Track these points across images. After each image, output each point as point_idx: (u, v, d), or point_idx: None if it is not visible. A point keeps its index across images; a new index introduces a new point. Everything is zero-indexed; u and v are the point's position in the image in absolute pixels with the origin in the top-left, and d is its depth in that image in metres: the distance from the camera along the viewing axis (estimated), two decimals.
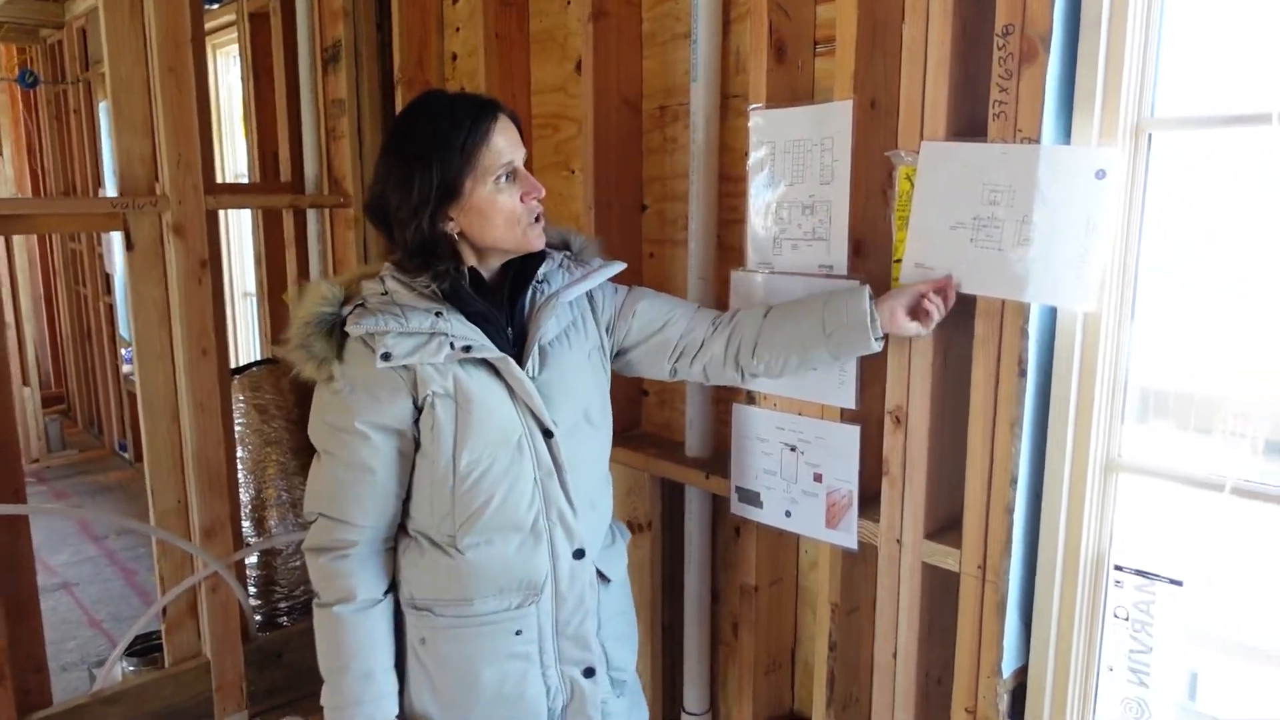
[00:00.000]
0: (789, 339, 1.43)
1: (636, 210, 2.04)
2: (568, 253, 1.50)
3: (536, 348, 1.36)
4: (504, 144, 1.30)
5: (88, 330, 5.54)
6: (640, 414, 2.14)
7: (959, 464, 1.47)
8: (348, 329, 1.29)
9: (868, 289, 1.38)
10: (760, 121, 1.61)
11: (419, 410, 1.31)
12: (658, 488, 1.99)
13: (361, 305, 1.31)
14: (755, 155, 1.62)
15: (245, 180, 3.78)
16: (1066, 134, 1.29)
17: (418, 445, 1.34)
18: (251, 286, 3.82)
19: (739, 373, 1.49)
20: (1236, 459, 1.31)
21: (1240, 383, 1.34)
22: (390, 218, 1.31)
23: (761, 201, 1.62)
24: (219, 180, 3.95)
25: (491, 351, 1.30)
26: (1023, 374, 1.33)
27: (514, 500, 1.33)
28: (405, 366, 1.28)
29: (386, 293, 1.33)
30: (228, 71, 3.83)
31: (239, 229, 3.97)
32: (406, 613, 1.39)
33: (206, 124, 2.41)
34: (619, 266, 1.50)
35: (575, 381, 1.41)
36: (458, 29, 2.47)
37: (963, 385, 1.44)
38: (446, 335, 1.28)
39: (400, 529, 1.40)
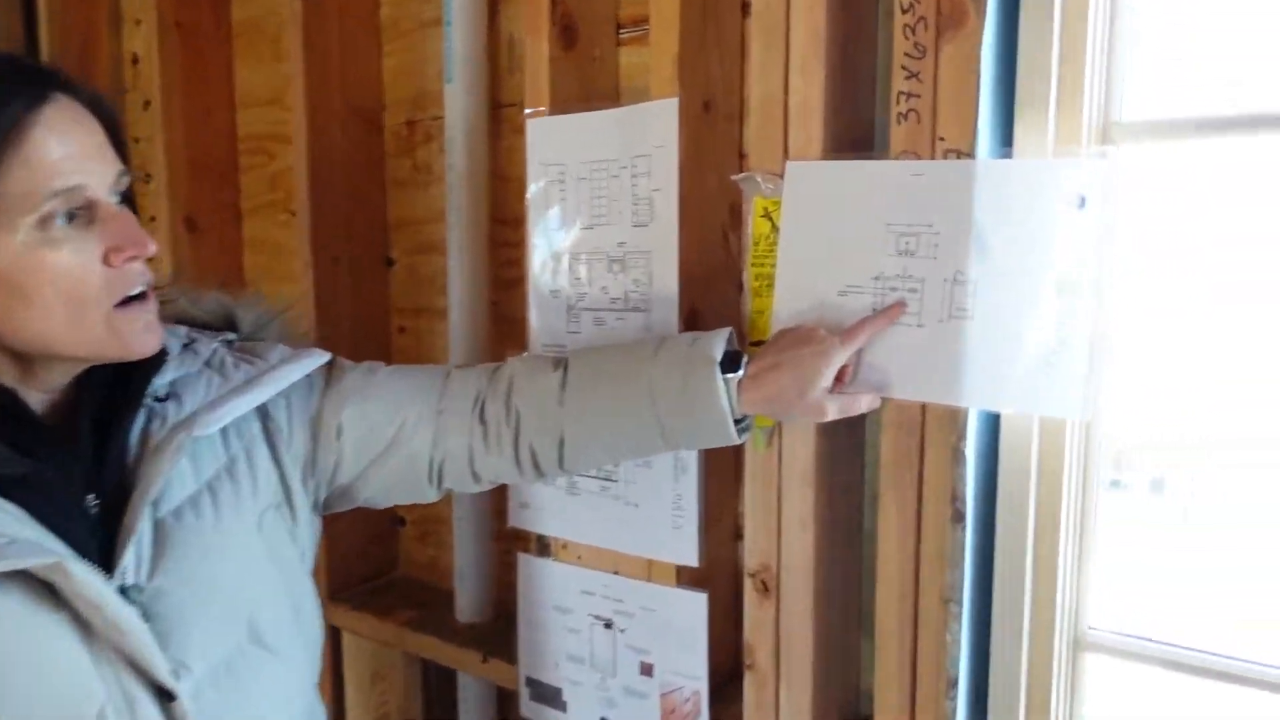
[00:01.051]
0: (613, 447, 0.89)
1: (379, 266, 1.44)
2: (228, 336, 0.88)
3: (147, 524, 0.73)
4: (62, 151, 0.67)
5: None
6: (395, 552, 1.51)
7: (860, 650, 0.97)
8: None
9: (715, 357, 0.82)
10: (541, 133, 1.07)
11: None
12: (417, 670, 1.36)
13: None
14: (536, 185, 1.08)
15: None
16: (1005, 142, 0.84)
17: None
18: None
19: (544, 480, 1.00)
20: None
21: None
22: None
23: (547, 253, 1.08)
24: None
25: (34, 555, 0.66)
26: (958, 520, 0.84)
27: None
28: None
29: None
30: None
31: None
32: None
33: None
34: (316, 360, 0.88)
35: (230, 579, 0.77)
36: (139, 22, 1.79)
37: (860, 528, 0.95)
38: None
39: None
